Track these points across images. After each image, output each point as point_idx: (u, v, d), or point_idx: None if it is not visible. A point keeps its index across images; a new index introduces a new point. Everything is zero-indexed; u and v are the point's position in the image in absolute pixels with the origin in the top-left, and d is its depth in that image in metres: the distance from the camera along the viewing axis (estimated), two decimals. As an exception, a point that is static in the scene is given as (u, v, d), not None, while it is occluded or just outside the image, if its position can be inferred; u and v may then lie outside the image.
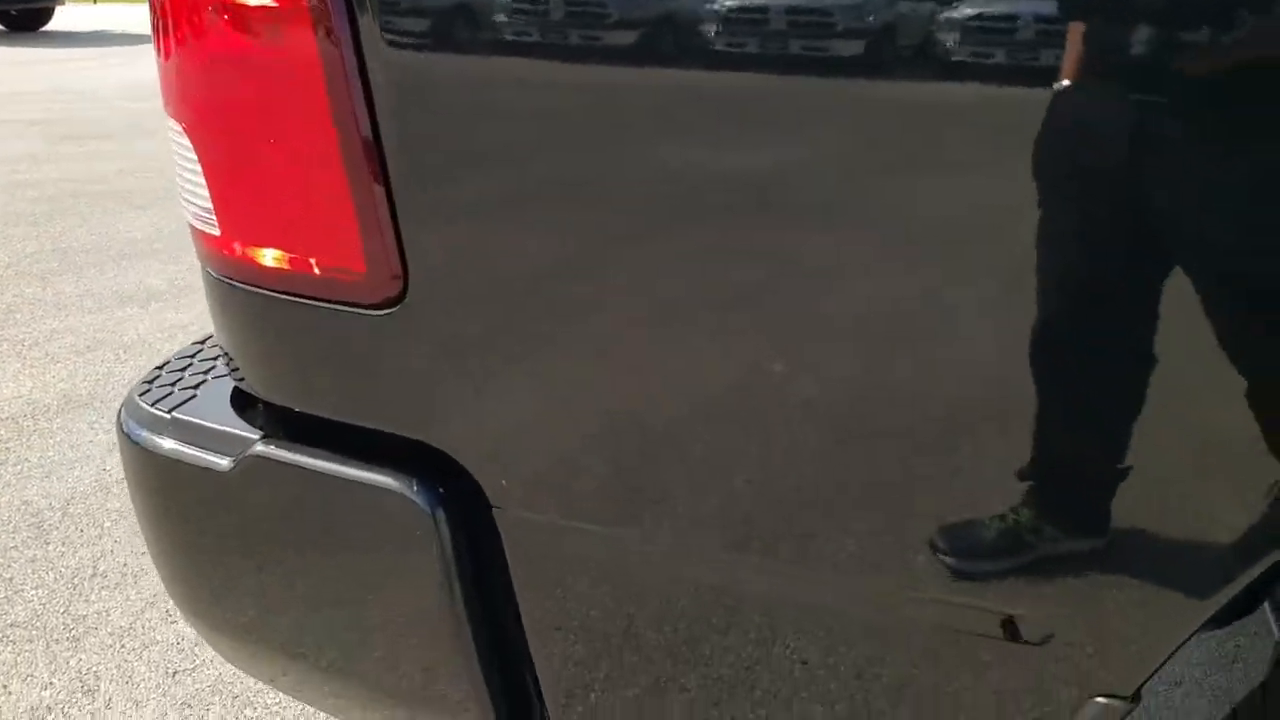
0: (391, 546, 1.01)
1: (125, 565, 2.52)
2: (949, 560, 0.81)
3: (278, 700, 2.09)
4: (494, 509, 0.97)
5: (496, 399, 0.93)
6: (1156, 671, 0.81)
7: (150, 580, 2.46)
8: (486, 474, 0.96)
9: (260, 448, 1.04)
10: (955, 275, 0.75)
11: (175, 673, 2.17)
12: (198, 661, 2.20)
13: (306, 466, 1.02)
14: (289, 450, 1.03)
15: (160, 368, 1.21)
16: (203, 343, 1.27)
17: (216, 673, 2.16)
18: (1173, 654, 0.79)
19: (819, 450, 0.83)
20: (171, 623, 2.32)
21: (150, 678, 2.15)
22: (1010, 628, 0.82)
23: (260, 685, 2.12)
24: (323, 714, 2.06)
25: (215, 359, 1.21)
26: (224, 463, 1.06)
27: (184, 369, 1.19)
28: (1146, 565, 0.77)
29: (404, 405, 0.97)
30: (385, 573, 1.03)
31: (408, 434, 0.97)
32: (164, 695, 2.11)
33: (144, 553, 2.56)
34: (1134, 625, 0.78)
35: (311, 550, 1.06)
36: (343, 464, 1.00)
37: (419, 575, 0.99)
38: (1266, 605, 1.53)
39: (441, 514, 0.97)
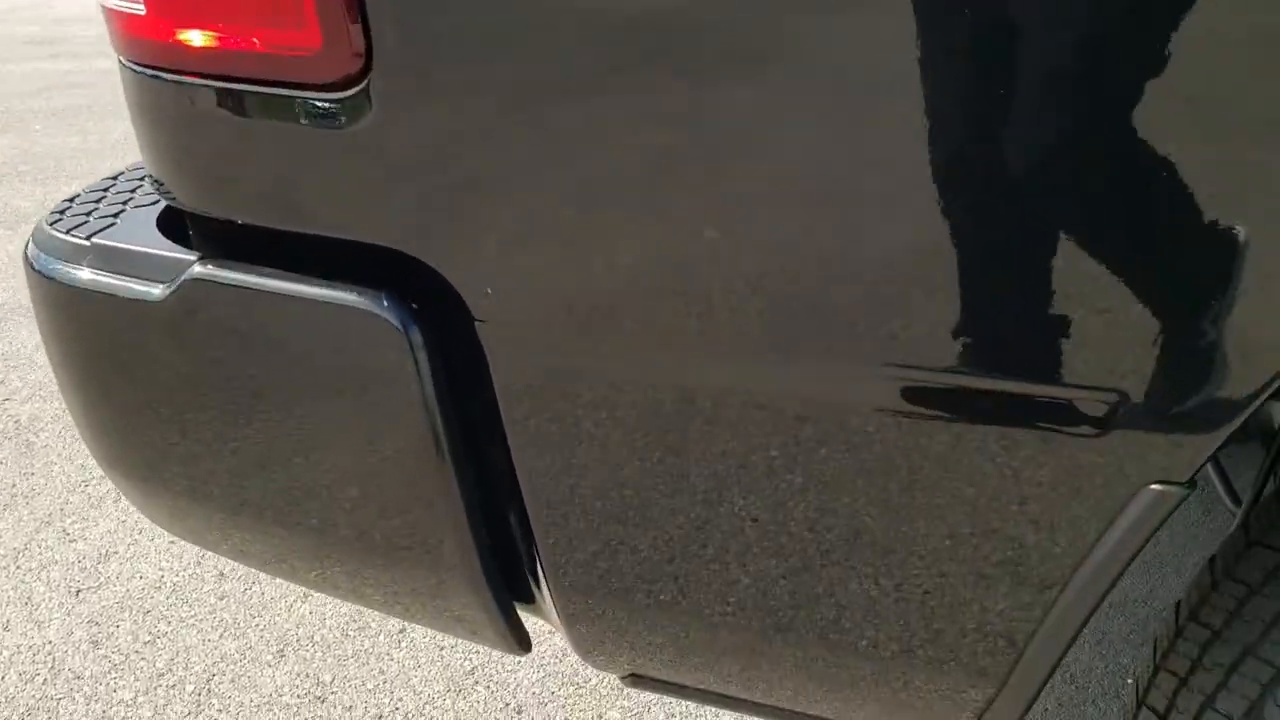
0: (359, 372, 0.89)
1: (14, 486, 2.33)
2: (1004, 341, 0.74)
3: (193, 613, 1.95)
4: (477, 323, 0.86)
5: (480, 194, 0.81)
6: (1210, 458, 0.76)
7: (44, 500, 2.28)
8: (469, 283, 0.84)
9: (198, 269, 0.91)
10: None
11: (79, 590, 2.01)
12: (103, 579, 2.04)
13: (254, 288, 0.89)
14: (232, 270, 0.90)
15: (70, 200, 1.06)
16: (115, 178, 1.12)
17: (124, 589, 2.01)
18: (1224, 443, 0.74)
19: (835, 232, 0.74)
20: (71, 541, 2.15)
21: (51, 598, 1.99)
22: (1068, 413, 0.75)
23: (173, 599, 1.98)
24: (243, 623, 1.94)
25: (134, 190, 1.06)
26: (156, 291, 0.93)
27: (99, 200, 1.04)
28: (1204, 346, 0.70)
29: (369, 208, 0.85)
30: (351, 403, 0.91)
31: (374, 241, 0.85)
32: (68, 614, 1.95)
33: (33, 473, 2.37)
34: (1190, 409, 0.72)
35: (261, 385, 0.93)
36: (297, 282, 0.88)
37: (391, 403, 0.88)
38: (1211, 469, 1.52)
39: (416, 331, 0.85)
